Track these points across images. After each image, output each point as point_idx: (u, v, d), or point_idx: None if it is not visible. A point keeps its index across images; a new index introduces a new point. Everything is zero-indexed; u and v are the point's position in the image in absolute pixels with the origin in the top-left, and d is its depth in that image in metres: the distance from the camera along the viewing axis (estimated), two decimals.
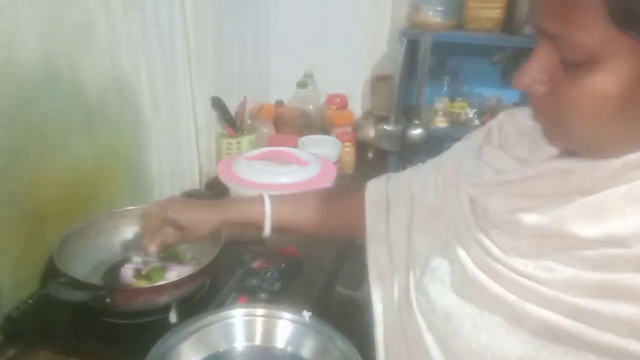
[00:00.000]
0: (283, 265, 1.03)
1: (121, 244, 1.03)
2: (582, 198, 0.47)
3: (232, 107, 1.52)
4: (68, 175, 0.98)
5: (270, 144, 1.55)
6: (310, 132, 1.65)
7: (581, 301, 0.44)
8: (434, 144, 1.61)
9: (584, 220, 0.46)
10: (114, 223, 1.03)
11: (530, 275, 0.48)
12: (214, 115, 1.48)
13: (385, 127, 1.57)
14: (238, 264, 1.03)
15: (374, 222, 0.75)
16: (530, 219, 0.50)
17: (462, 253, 0.57)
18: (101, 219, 1.01)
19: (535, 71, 0.46)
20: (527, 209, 0.51)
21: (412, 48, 1.52)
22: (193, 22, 1.27)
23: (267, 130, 1.66)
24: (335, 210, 0.85)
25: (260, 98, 1.72)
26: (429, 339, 0.57)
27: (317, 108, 1.74)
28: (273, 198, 0.83)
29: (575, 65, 0.43)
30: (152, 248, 0.82)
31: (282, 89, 1.80)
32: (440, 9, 1.49)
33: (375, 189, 0.80)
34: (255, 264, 1.04)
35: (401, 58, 1.49)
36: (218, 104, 1.46)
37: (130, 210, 1.05)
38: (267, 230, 0.83)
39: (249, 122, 1.58)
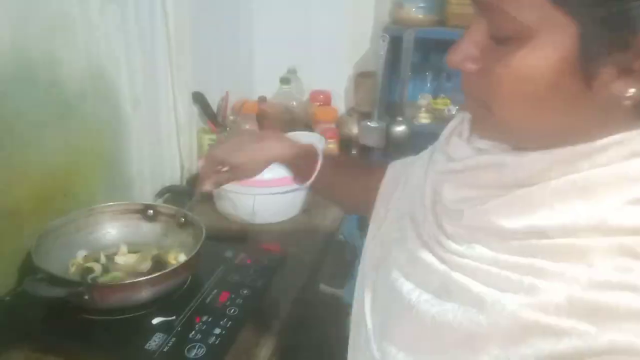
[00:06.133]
0: (266, 262, 1.03)
1: (100, 241, 1.01)
2: (514, 191, 0.47)
3: (214, 102, 1.51)
4: (42, 172, 0.96)
5: None
6: (294, 129, 1.64)
7: (495, 269, 0.46)
8: (417, 141, 1.62)
9: (511, 213, 0.46)
10: (93, 220, 1.01)
11: (460, 253, 0.50)
12: (194, 110, 1.46)
13: (368, 123, 1.56)
14: (220, 260, 1.02)
15: (380, 203, 0.77)
16: (468, 210, 0.51)
17: (413, 234, 0.59)
18: (80, 215, 1.00)
19: (468, 47, 0.44)
20: (468, 199, 0.51)
21: (395, 44, 1.52)
22: (173, 16, 1.26)
23: (249, 126, 1.65)
24: (363, 185, 0.85)
25: (243, 94, 1.71)
26: (392, 308, 0.58)
27: (301, 104, 1.73)
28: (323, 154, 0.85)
29: (505, 41, 0.41)
30: (208, 187, 0.84)
31: (265, 85, 1.79)
32: (422, 5, 1.50)
33: (392, 169, 0.80)
34: (237, 261, 1.03)
35: (384, 54, 1.49)
36: (199, 99, 1.45)
37: (110, 206, 1.03)
38: (309, 182, 0.84)
39: (232, 118, 1.57)
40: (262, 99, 1.77)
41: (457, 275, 0.49)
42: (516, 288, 0.43)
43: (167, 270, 0.85)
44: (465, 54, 0.45)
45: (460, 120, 0.62)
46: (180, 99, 1.36)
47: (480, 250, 0.48)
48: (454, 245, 0.52)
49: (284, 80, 1.68)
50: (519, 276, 0.44)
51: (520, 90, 0.42)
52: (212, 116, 1.48)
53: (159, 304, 0.87)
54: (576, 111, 0.42)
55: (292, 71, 1.74)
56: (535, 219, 0.44)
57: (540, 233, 0.44)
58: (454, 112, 1.57)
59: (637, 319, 0.38)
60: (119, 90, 1.11)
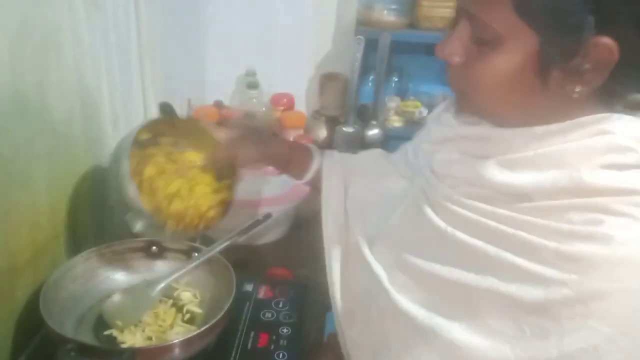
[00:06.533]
0: (291, 293, 0.95)
1: (99, 287, 0.88)
2: (497, 157, 0.55)
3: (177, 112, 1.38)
4: (36, 215, 0.81)
5: None
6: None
7: (500, 226, 0.53)
8: (391, 144, 1.61)
9: (495, 172, 0.54)
10: (91, 265, 0.88)
11: (461, 204, 0.57)
12: None
13: (343, 128, 1.52)
14: (242, 296, 0.93)
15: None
16: (460, 171, 0.59)
17: (419, 195, 0.65)
18: (78, 262, 0.85)
19: (454, 44, 0.54)
20: (457, 162, 0.59)
21: (365, 46, 1.48)
22: (146, 20, 1.12)
23: None
24: None
25: (201, 100, 1.58)
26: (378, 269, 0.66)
27: (264, 109, 1.64)
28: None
29: (484, 43, 0.51)
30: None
31: (219, 89, 1.68)
32: (394, 7, 1.47)
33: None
34: (260, 295, 0.95)
35: (359, 57, 1.45)
36: (167, 111, 1.31)
37: (107, 246, 0.90)
38: (307, 178, 0.87)
39: None
40: (218, 104, 1.66)
41: (458, 233, 0.56)
42: (511, 241, 0.51)
43: (210, 324, 0.75)
44: (452, 49, 0.54)
45: (448, 102, 0.68)
46: (150, 111, 1.23)
47: (478, 204, 0.55)
48: (451, 200, 0.58)
49: (251, 85, 1.57)
50: (513, 230, 0.51)
51: (493, 82, 0.51)
52: None
53: (200, 358, 0.78)
54: (538, 100, 0.51)
55: (251, 74, 1.63)
56: (518, 180, 0.52)
57: (524, 195, 0.52)
58: (425, 115, 1.58)
59: (607, 266, 0.46)
60: (101, 108, 0.97)
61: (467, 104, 0.58)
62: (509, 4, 0.47)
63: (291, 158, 0.86)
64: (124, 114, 1.07)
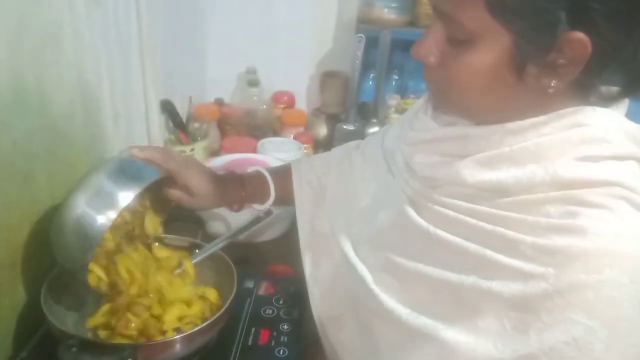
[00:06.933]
0: (292, 289, 0.95)
1: None
2: (475, 155, 0.56)
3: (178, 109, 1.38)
4: (36, 209, 0.81)
5: (225, 150, 1.43)
6: (259, 133, 1.55)
7: (479, 223, 0.54)
8: None
9: (473, 170, 0.55)
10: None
11: (443, 203, 0.58)
12: (162, 120, 1.32)
13: (344, 126, 1.52)
14: (243, 293, 0.93)
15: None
16: (441, 173, 0.59)
17: (401, 196, 0.65)
18: None
19: (429, 44, 0.53)
20: (437, 164, 0.60)
21: (365, 44, 1.48)
22: (146, 17, 1.12)
23: (212, 132, 1.53)
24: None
25: (198, 97, 1.58)
26: (363, 270, 0.66)
27: (265, 107, 1.63)
28: (270, 173, 0.90)
29: (458, 43, 0.51)
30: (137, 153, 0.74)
31: (220, 86, 1.67)
32: (394, 5, 1.47)
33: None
34: (261, 291, 0.95)
35: (359, 55, 1.45)
36: (168, 108, 1.31)
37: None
38: (268, 205, 0.90)
39: (196, 125, 1.44)
40: (219, 101, 1.66)
41: (440, 232, 0.56)
42: (490, 238, 0.52)
43: (211, 320, 0.75)
44: (427, 49, 0.54)
45: (425, 100, 0.69)
46: (151, 108, 1.23)
47: (459, 203, 0.56)
48: (433, 200, 0.59)
49: (252, 82, 1.57)
50: (492, 226, 0.52)
51: (469, 81, 0.52)
52: (181, 126, 1.34)
53: (201, 354, 0.78)
54: (515, 96, 0.52)
55: (252, 71, 1.63)
56: (496, 176, 0.53)
57: (504, 191, 0.53)
58: None
59: (584, 258, 0.46)
60: (102, 104, 0.97)
61: (445, 102, 0.58)
62: (481, 3, 0.47)
63: (245, 196, 0.88)
64: (124, 110, 1.06)
